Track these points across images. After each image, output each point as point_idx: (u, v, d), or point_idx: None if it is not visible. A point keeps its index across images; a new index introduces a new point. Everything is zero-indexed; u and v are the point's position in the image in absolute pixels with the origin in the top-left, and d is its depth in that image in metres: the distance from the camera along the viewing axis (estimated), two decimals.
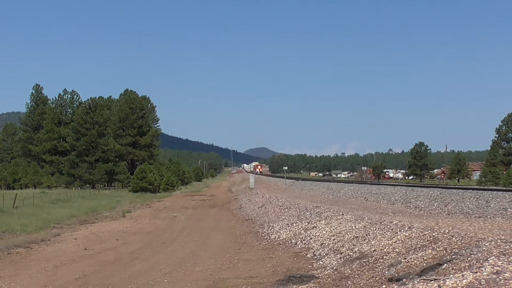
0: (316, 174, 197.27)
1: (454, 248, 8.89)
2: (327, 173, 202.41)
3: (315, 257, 13.00)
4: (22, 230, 21.09)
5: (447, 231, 10.27)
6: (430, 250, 9.35)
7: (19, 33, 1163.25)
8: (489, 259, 7.16)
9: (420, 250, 9.62)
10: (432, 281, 6.46)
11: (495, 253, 7.63)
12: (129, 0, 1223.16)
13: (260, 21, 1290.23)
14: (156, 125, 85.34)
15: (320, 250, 13.56)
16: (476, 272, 6.37)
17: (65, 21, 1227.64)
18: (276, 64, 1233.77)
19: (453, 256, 8.38)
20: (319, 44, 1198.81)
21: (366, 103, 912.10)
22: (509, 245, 7.98)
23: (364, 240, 12.44)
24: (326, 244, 13.95)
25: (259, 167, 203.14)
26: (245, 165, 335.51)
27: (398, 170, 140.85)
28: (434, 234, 10.33)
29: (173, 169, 77.42)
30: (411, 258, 9.30)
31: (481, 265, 6.86)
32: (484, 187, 30.71)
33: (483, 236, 9.11)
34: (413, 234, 10.99)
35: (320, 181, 54.66)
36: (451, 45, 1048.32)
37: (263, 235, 18.91)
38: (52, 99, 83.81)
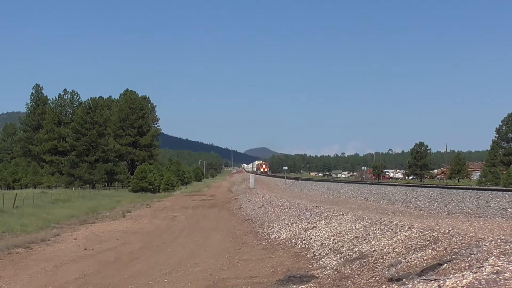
0: (316, 174, 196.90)
1: (454, 248, 8.89)
2: (327, 173, 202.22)
3: (315, 257, 12.99)
4: (22, 230, 21.09)
5: (447, 231, 10.26)
6: (430, 250, 9.34)
7: (20, 33, 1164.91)
8: (489, 259, 7.16)
9: (420, 250, 9.61)
10: (432, 281, 6.46)
11: (495, 253, 7.63)
12: (129, 0, 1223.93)
13: (260, 21, 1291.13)
14: (156, 125, 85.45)
15: (320, 250, 13.55)
16: (476, 272, 6.36)
17: (65, 21, 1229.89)
18: (277, 64, 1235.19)
19: (453, 256, 8.38)
20: (319, 44, 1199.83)
21: (366, 103, 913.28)
22: (509, 245, 7.98)
23: (364, 240, 12.43)
24: (326, 244, 13.94)
25: (263, 166, 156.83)
26: (245, 165, 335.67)
27: (398, 170, 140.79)
28: (434, 234, 10.32)
29: (173, 169, 77.44)
30: (411, 258, 9.29)
31: (481, 265, 6.85)
32: (484, 187, 30.67)
33: (483, 236, 9.10)
34: (413, 234, 10.99)
35: (320, 181, 54.62)
36: (451, 45, 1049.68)
37: (263, 235, 18.90)
38: (52, 99, 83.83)
